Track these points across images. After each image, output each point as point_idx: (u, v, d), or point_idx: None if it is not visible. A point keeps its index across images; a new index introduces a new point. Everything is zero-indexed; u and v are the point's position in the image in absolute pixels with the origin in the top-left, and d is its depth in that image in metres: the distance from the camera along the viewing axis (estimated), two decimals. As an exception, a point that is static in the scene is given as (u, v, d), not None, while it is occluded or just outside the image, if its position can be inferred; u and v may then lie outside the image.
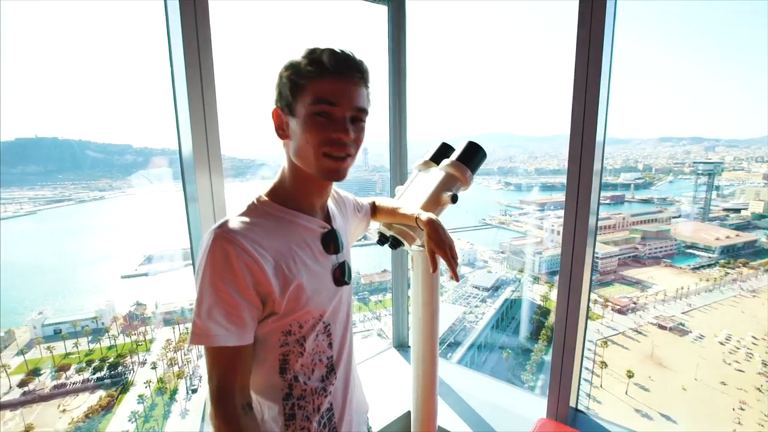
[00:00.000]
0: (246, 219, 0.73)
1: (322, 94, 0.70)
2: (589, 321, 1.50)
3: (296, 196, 0.79)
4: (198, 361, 11.05)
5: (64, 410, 9.37)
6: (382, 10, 1.84)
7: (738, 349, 12.43)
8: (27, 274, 14.14)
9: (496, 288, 16.45)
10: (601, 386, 12.14)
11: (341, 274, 0.83)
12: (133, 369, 10.84)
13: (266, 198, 0.78)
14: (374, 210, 1.16)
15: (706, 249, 16.22)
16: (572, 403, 1.46)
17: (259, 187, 0.81)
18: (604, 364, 12.50)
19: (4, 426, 8.81)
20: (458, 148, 1.22)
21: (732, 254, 16.00)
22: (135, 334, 11.63)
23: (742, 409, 10.85)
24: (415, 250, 1.18)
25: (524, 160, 27.28)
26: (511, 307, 16.00)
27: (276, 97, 0.76)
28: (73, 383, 10.02)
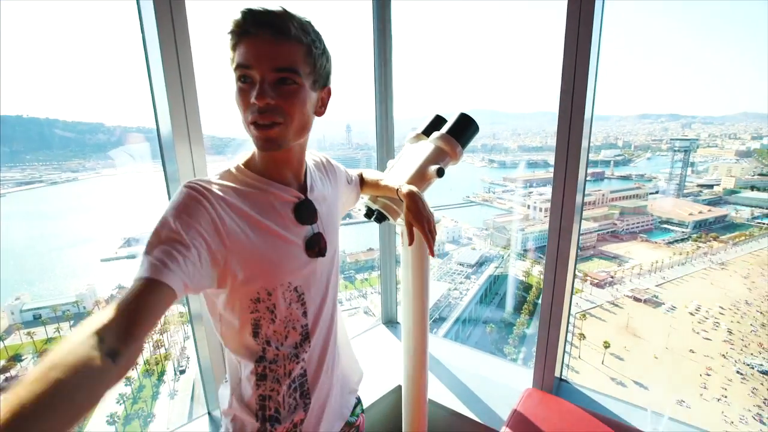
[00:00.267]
0: (219, 180, 0.74)
1: (239, 58, 0.67)
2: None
3: (266, 167, 0.78)
4: (185, 342, 11.05)
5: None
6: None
7: (706, 318, 13.14)
8: (0, 259, 13.66)
9: (480, 264, 16.79)
10: (579, 357, 12.71)
11: (314, 245, 0.81)
12: (118, 352, 10.77)
13: (243, 167, 0.78)
14: (362, 182, 1.15)
15: (680, 224, 16.85)
16: (557, 374, 1.52)
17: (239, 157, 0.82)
18: (582, 336, 13.06)
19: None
20: (449, 121, 1.21)
21: (704, 228, 16.68)
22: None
23: (708, 374, 11.57)
24: (401, 225, 1.17)
25: (507, 137, 27.43)
26: (495, 282, 16.41)
27: None
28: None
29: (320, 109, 0.80)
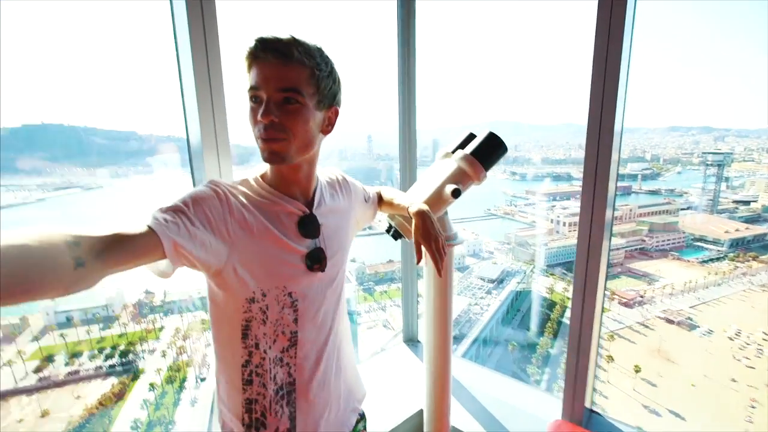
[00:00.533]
0: (238, 185, 0.83)
1: (250, 80, 0.76)
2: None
3: (276, 181, 0.86)
4: (206, 349, 11.21)
5: (78, 396, 9.59)
6: (392, -4, 1.80)
7: (748, 344, 12.21)
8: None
9: (501, 280, 16.42)
10: (608, 381, 12.06)
11: (314, 258, 0.85)
12: (143, 357, 11.03)
13: (259, 178, 0.87)
14: (380, 200, 1.17)
15: (715, 242, 16.00)
16: (587, 404, 1.44)
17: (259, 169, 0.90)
18: (610, 358, 12.45)
19: (22, 411, 9.04)
20: (476, 139, 1.17)
21: (741, 247, 15.78)
22: (144, 322, 11.81)
23: (752, 407, 10.60)
24: None
25: (530, 149, 26.99)
26: (516, 298, 15.98)
27: None
28: (86, 370, 10.24)
29: (327, 127, 0.86)
